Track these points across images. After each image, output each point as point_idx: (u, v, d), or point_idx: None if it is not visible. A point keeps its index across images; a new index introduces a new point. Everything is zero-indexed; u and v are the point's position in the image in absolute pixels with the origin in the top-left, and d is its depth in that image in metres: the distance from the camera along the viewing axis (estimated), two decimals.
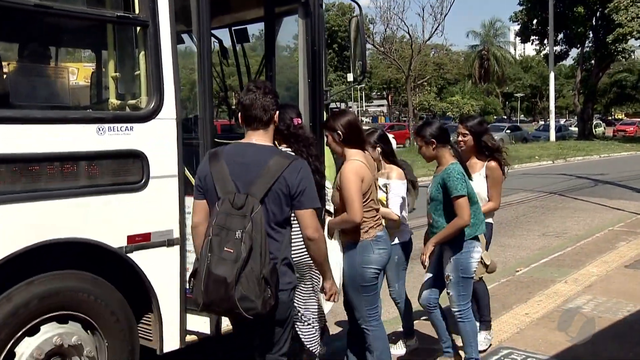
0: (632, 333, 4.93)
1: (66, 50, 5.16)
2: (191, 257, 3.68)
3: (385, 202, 4.24)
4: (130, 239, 3.35)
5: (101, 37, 3.81)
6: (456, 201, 3.81)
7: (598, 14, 38.70)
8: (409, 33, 39.26)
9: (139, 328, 3.56)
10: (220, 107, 6.20)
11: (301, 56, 4.42)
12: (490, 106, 64.93)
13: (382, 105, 70.75)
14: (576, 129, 44.08)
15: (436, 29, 37.17)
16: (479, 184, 4.41)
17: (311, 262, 3.25)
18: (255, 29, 5.85)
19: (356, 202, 3.45)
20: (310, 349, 3.84)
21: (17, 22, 3.58)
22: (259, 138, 2.89)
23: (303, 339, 3.82)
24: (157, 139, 3.45)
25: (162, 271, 3.50)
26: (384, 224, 3.84)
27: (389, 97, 61.82)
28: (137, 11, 3.41)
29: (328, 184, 3.96)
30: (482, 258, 4.10)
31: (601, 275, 6.70)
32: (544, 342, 4.74)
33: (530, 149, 28.74)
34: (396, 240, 4.36)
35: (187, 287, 2.82)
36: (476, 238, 3.99)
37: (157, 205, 3.47)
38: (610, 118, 69.18)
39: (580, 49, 41.77)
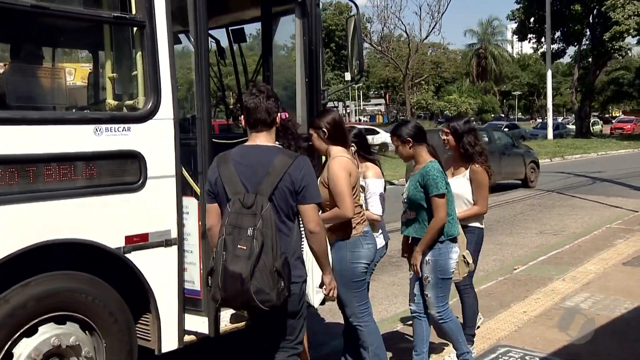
0: (630, 330, 4.94)
1: (63, 50, 5.15)
2: (189, 258, 3.69)
3: (362, 203, 4.05)
4: (128, 239, 3.35)
5: (98, 37, 3.80)
6: (435, 199, 3.76)
7: (595, 12, 38.78)
8: (406, 32, 39.38)
9: (137, 328, 3.56)
10: (217, 107, 6.18)
11: (298, 56, 4.43)
12: (487, 104, 64.99)
13: (380, 104, 70.81)
14: (574, 126, 44.19)
15: (433, 28, 37.35)
16: (462, 186, 4.35)
17: None
18: (253, 29, 5.86)
19: (348, 197, 3.53)
20: None
21: (14, 23, 3.58)
22: (263, 139, 3.02)
23: None
24: (155, 140, 3.45)
25: (160, 271, 3.50)
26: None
27: (387, 96, 61.89)
28: (133, 12, 3.40)
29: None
30: (464, 257, 4.06)
31: (599, 272, 6.71)
32: (541, 340, 4.75)
33: None
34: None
35: (208, 284, 2.95)
36: (454, 239, 3.93)
37: (155, 205, 3.47)
38: (607, 116, 69.29)
39: (577, 46, 41.85)
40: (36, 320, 3.05)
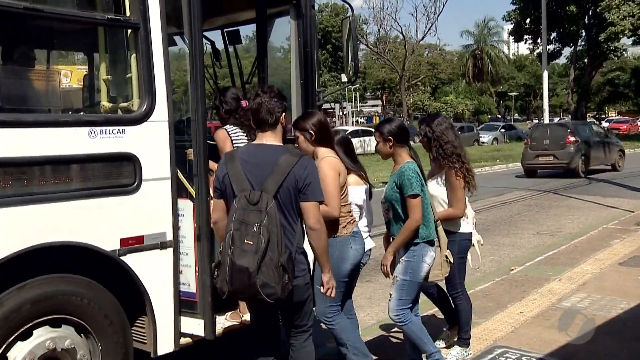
0: (626, 330, 4.94)
1: (58, 53, 5.14)
2: (184, 260, 3.68)
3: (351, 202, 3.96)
4: (124, 241, 3.34)
5: (92, 39, 3.80)
6: (410, 200, 3.74)
7: (590, 13, 38.92)
8: (402, 33, 39.36)
9: (132, 331, 3.54)
10: (212, 108, 6.19)
11: (293, 57, 4.43)
12: (484, 105, 65.08)
13: (377, 106, 70.78)
14: None
15: (429, 29, 37.34)
16: (437, 187, 4.30)
17: None
18: (248, 31, 5.85)
19: (336, 196, 3.57)
20: None
21: (8, 25, 3.56)
22: (269, 139, 3.14)
23: None
24: (150, 142, 3.44)
25: (156, 274, 3.50)
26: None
27: (383, 97, 61.88)
28: (128, 14, 3.40)
29: None
30: (446, 256, 4.02)
31: (595, 273, 6.72)
32: (538, 341, 4.75)
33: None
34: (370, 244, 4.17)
35: (214, 277, 3.07)
36: (430, 242, 3.89)
37: (150, 208, 3.46)
38: (603, 116, 69.43)
39: (573, 47, 41.99)
40: (31, 324, 3.03)
